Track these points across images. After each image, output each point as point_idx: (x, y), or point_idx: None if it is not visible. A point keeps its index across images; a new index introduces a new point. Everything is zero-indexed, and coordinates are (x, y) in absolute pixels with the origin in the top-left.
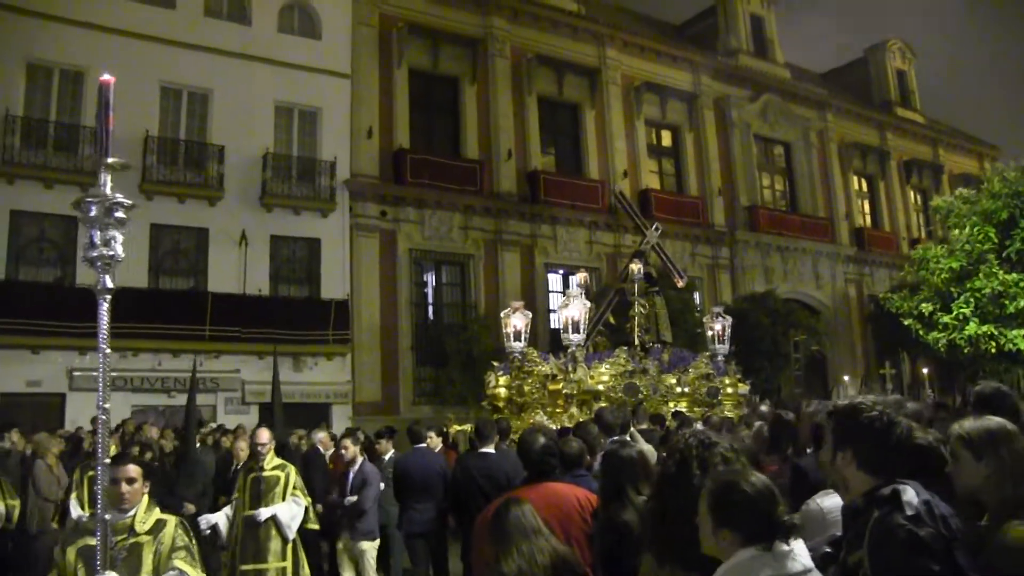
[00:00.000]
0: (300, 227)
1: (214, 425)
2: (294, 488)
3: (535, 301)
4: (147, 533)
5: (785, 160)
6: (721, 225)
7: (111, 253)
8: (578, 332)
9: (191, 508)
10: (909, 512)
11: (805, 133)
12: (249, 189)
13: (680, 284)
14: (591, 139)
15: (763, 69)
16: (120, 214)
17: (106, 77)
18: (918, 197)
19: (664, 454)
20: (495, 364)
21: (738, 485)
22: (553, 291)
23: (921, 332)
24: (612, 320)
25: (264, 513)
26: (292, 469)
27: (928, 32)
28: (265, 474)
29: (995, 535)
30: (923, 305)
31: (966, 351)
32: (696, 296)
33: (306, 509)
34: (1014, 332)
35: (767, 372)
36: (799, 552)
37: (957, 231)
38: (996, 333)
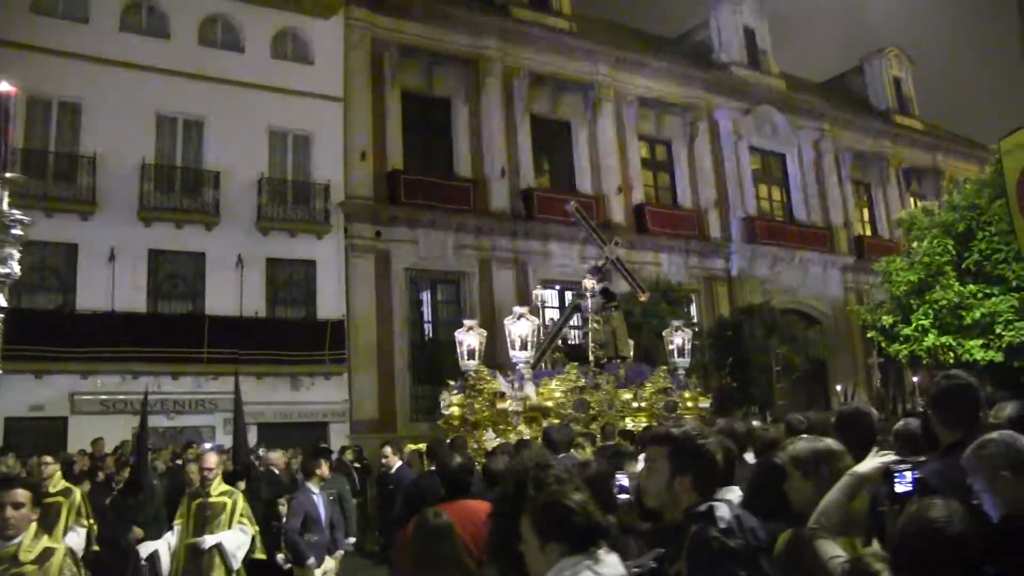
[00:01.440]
0: (296, 249)
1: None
2: (241, 515)
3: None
4: (32, 563)
5: (782, 170)
6: (717, 237)
7: (7, 271)
8: (526, 349)
9: (139, 533)
10: (722, 526)
11: (801, 143)
12: (245, 213)
13: (642, 298)
14: (584, 155)
15: (757, 80)
16: (17, 231)
17: (6, 87)
18: (919, 204)
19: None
20: (450, 383)
21: (559, 502)
22: (550, 307)
23: (883, 344)
24: (570, 336)
25: (209, 541)
26: (239, 496)
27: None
28: (211, 500)
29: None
30: (884, 317)
31: (925, 362)
32: (692, 309)
33: (253, 538)
34: (971, 343)
35: (763, 384)
36: (612, 561)
37: (916, 243)
38: (954, 344)
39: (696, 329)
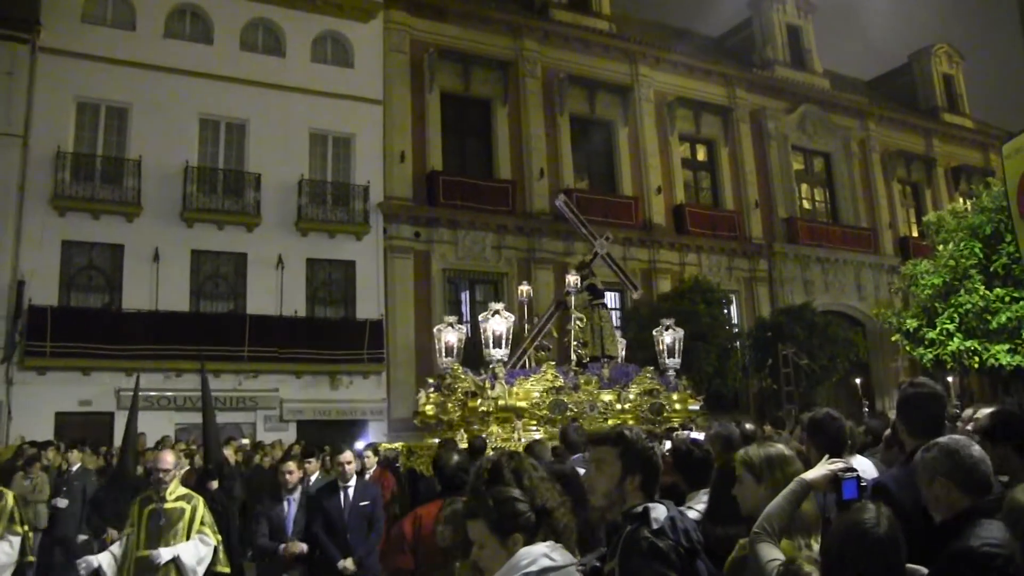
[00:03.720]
0: (335, 250)
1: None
2: (202, 524)
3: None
4: None
5: (825, 171)
6: (759, 238)
7: None
8: (500, 347)
9: (115, 534)
10: (654, 527)
11: (846, 143)
12: (286, 214)
13: (635, 296)
14: (624, 156)
15: (801, 79)
16: None
17: None
18: (968, 204)
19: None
20: (429, 380)
21: (511, 495)
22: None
23: (908, 347)
24: (555, 334)
25: (164, 554)
26: (200, 501)
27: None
28: (167, 506)
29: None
30: (908, 321)
31: (950, 367)
32: (732, 311)
33: (216, 549)
34: (997, 347)
35: (804, 386)
36: (562, 549)
37: (941, 246)
38: (980, 348)
39: (736, 330)
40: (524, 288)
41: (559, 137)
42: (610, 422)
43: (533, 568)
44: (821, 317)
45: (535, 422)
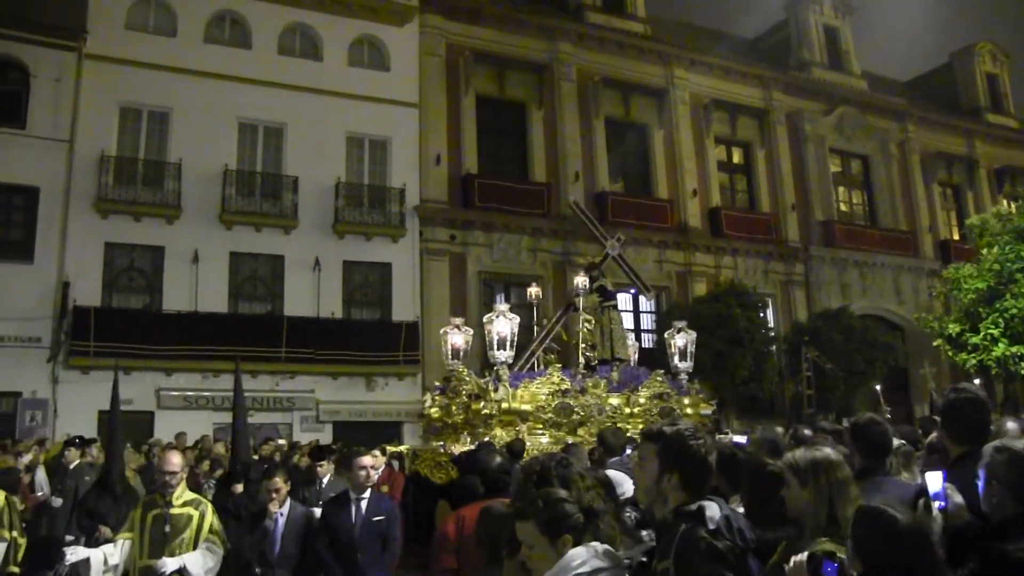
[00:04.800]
0: (371, 252)
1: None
2: (210, 531)
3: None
4: None
5: (863, 173)
6: (795, 241)
7: None
8: (504, 349)
9: (108, 533)
10: (711, 526)
11: (884, 145)
12: (322, 217)
13: (649, 298)
14: (659, 159)
15: (838, 81)
16: None
17: None
18: (1013, 206)
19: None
20: (436, 384)
21: (560, 498)
22: (623, 310)
23: (951, 353)
24: (565, 336)
25: (170, 564)
26: (208, 507)
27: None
28: (173, 512)
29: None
30: (951, 326)
31: (995, 372)
32: (768, 314)
33: (225, 559)
34: None
35: (841, 391)
36: (609, 549)
37: (985, 250)
38: None
39: (772, 334)
40: (532, 290)
41: (594, 140)
42: (619, 426)
43: (584, 569)
44: (858, 321)
45: (540, 425)
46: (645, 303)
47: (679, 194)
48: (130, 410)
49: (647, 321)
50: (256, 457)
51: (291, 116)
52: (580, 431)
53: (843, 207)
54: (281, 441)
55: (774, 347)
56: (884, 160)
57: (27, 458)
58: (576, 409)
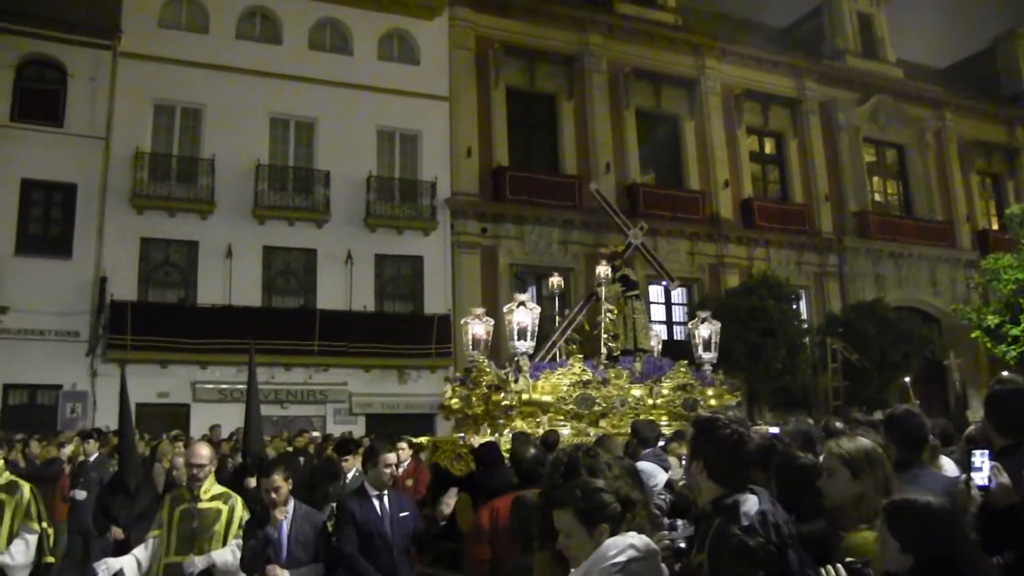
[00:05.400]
0: (403, 246)
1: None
2: (240, 527)
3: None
4: None
5: (898, 163)
6: (829, 232)
7: None
8: (525, 340)
9: (119, 534)
10: (744, 522)
11: (920, 133)
12: (354, 211)
13: (673, 288)
14: (691, 150)
15: (873, 69)
16: None
17: None
18: None
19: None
20: (457, 375)
21: (598, 487)
22: (655, 303)
23: (989, 345)
24: (587, 327)
25: (199, 563)
26: (238, 501)
27: None
28: (201, 506)
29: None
30: (989, 317)
31: None
32: (802, 306)
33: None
34: None
35: (876, 383)
36: (644, 537)
37: None
38: None
39: (806, 326)
40: (554, 280)
41: (625, 131)
42: (641, 418)
43: (621, 558)
44: (893, 313)
45: (562, 417)
46: (676, 295)
47: (711, 185)
48: (166, 403)
49: (679, 313)
50: (290, 449)
51: (322, 111)
52: (602, 422)
53: (877, 197)
54: (315, 433)
55: (807, 339)
56: (920, 149)
57: (69, 449)
58: (598, 400)
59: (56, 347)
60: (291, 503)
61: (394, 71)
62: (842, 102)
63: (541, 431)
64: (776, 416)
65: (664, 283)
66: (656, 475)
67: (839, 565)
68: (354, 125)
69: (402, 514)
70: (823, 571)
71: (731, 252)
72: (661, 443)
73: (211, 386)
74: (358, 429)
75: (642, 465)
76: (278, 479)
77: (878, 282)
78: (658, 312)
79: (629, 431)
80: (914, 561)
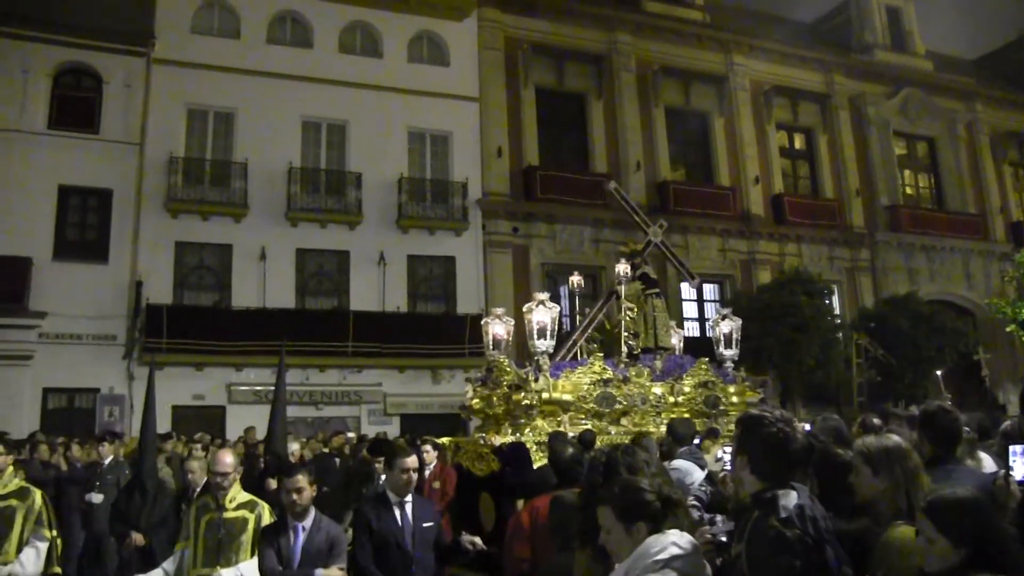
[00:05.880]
0: (435, 246)
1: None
2: None
3: (668, 310)
4: None
5: (929, 156)
6: (860, 226)
7: None
8: (544, 339)
9: (139, 539)
10: (782, 515)
11: (951, 126)
12: (386, 212)
13: (692, 286)
14: (721, 146)
15: (902, 62)
16: None
17: None
18: None
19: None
20: (478, 375)
21: (638, 486)
22: (686, 300)
23: None
24: (608, 325)
25: (227, 575)
26: (265, 508)
27: None
28: (227, 515)
29: (881, 535)
30: None
31: None
32: (834, 301)
33: None
34: None
35: (910, 378)
36: (686, 534)
37: None
38: None
39: (838, 321)
40: (575, 279)
41: (654, 129)
42: (663, 415)
43: (664, 555)
44: (927, 307)
45: (582, 415)
46: (708, 292)
47: (741, 182)
48: (202, 405)
49: (711, 310)
50: (326, 450)
51: (353, 113)
52: (623, 421)
53: (909, 191)
54: (351, 434)
55: (840, 335)
56: (951, 142)
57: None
58: (618, 399)
59: (93, 351)
60: (312, 513)
61: (424, 73)
62: (871, 96)
63: (562, 430)
64: (810, 412)
65: (696, 279)
66: (692, 473)
67: None
68: (385, 127)
69: (426, 524)
70: None
71: (762, 248)
72: (696, 441)
73: (246, 388)
74: (392, 429)
75: (678, 463)
76: (302, 480)
77: (911, 276)
78: (690, 309)
79: (651, 430)
80: (967, 553)
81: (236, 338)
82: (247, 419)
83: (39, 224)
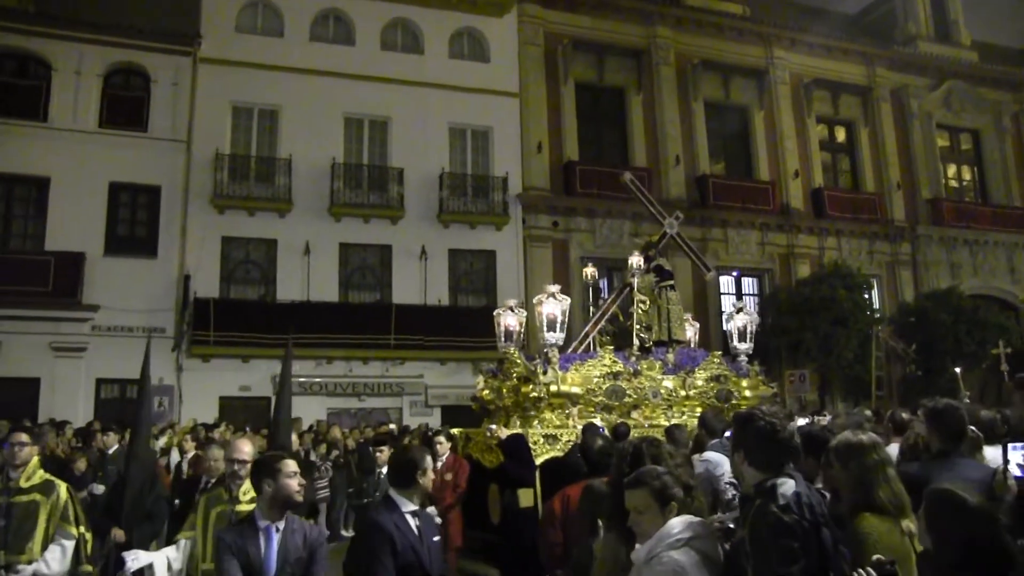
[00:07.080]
0: (476, 240)
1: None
2: None
3: (706, 304)
4: None
5: (974, 148)
6: (901, 220)
7: None
8: (554, 331)
9: (120, 535)
10: (781, 502)
11: (996, 117)
12: (427, 207)
13: (707, 278)
14: (760, 140)
15: (946, 54)
16: None
17: None
18: None
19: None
20: (489, 366)
21: (663, 473)
22: (725, 293)
23: None
24: (621, 318)
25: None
26: None
27: None
28: (240, 508)
29: (851, 524)
30: None
31: None
32: (874, 295)
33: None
34: None
35: (949, 373)
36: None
37: None
38: None
39: (878, 316)
40: (589, 270)
41: (694, 123)
42: (674, 409)
43: (685, 534)
44: (968, 301)
45: (592, 408)
46: (747, 285)
47: (781, 175)
48: (248, 396)
49: (750, 304)
50: (362, 440)
51: (395, 109)
52: (634, 414)
53: (952, 184)
54: (392, 426)
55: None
56: (997, 134)
57: (162, 441)
58: (628, 392)
59: (143, 343)
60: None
61: (465, 69)
62: (914, 88)
63: (571, 423)
64: (848, 406)
65: (735, 273)
66: (722, 464)
67: (868, 568)
68: (426, 123)
69: (435, 538)
70: (855, 574)
71: (802, 242)
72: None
73: (293, 380)
74: (434, 420)
75: (709, 455)
76: (270, 477)
77: (953, 270)
78: (728, 304)
79: (661, 423)
80: (956, 554)
81: (281, 331)
82: (293, 410)
83: (91, 220)
